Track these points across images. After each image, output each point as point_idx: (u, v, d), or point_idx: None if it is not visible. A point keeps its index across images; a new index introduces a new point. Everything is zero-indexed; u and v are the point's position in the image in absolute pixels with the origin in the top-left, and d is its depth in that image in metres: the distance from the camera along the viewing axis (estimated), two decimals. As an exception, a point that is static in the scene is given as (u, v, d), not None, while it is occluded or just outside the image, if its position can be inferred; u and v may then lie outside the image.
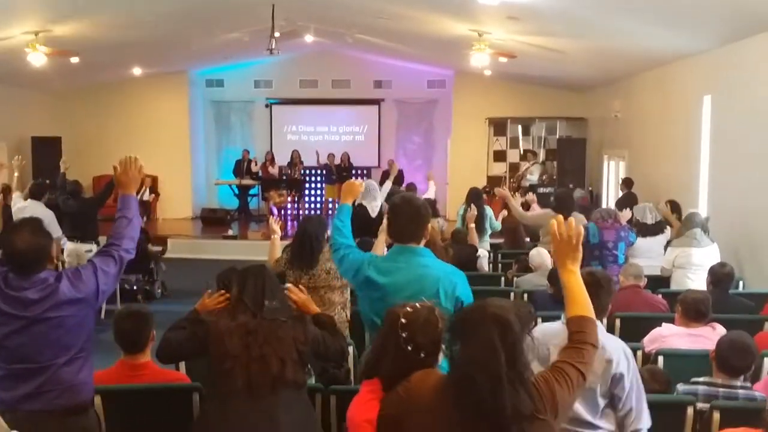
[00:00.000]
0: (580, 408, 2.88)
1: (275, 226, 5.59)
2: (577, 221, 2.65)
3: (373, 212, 7.49)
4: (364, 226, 6.23)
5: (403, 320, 2.50)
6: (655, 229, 7.33)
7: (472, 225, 7.86)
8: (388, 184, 8.79)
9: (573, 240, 2.52)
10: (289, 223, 15.21)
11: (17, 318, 2.98)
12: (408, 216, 3.32)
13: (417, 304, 2.58)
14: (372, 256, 3.47)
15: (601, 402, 2.92)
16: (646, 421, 2.92)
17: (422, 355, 2.48)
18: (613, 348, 2.93)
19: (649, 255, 7.17)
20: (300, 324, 3.27)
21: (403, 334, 2.48)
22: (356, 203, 8.70)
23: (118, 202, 3.39)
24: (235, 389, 3.08)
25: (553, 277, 5.55)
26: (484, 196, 15.25)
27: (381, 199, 8.11)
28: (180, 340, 3.29)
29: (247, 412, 3.07)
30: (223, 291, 3.54)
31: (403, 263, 3.26)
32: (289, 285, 3.79)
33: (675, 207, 8.41)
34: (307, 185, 17.29)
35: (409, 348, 2.47)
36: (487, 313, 2.21)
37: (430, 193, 10.48)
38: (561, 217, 2.62)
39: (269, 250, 5.52)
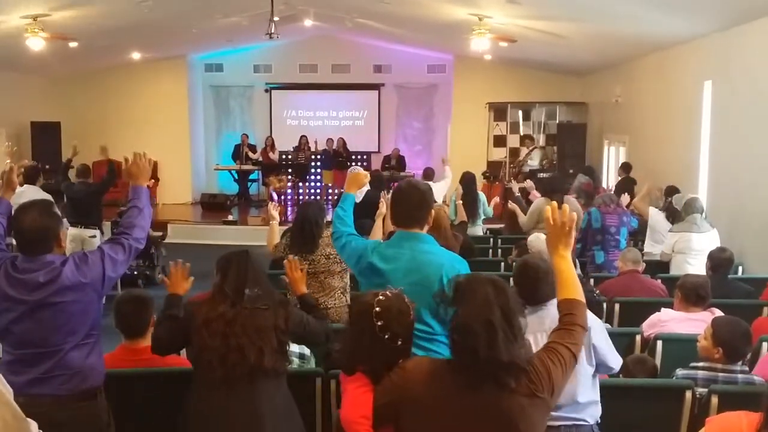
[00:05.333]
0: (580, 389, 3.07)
1: (274, 211, 5.58)
2: (571, 207, 2.69)
3: (358, 198, 7.55)
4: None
5: (377, 309, 2.49)
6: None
7: (460, 202, 7.90)
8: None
9: (566, 226, 2.55)
10: (289, 208, 15.22)
11: (21, 302, 2.99)
12: (413, 201, 3.25)
13: (387, 292, 2.57)
14: (375, 243, 3.43)
15: (590, 370, 3.13)
16: (615, 362, 3.24)
17: (399, 342, 2.49)
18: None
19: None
20: (282, 310, 3.24)
21: (379, 323, 2.47)
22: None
23: (129, 192, 3.47)
24: (213, 380, 3.08)
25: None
26: (484, 181, 15.31)
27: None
28: (167, 333, 3.32)
29: (226, 403, 3.07)
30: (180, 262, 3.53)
31: (407, 249, 3.20)
32: (289, 258, 3.81)
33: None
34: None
35: (386, 337, 2.47)
36: (482, 277, 2.39)
37: (447, 179, 10.17)
38: (555, 203, 2.65)
39: (268, 235, 5.52)
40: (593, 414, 3.19)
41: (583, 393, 3.12)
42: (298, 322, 3.29)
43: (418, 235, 3.24)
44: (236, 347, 3.08)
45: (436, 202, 3.85)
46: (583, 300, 2.53)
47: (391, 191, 3.52)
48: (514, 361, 2.21)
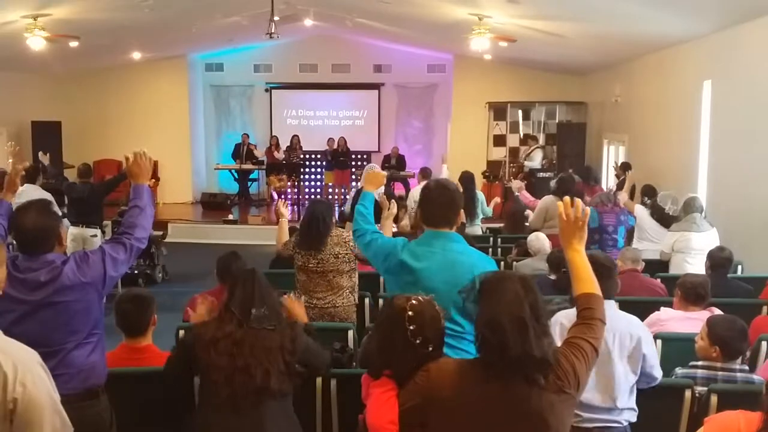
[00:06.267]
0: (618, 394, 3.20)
1: (283, 209, 5.56)
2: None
3: (376, 196, 7.54)
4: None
5: (410, 313, 2.48)
6: (668, 221, 7.20)
7: None
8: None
9: (579, 221, 2.57)
10: (289, 207, 15.21)
11: (23, 302, 2.98)
12: (443, 201, 3.26)
13: (419, 297, 2.56)
14: (404, 241, 3.39)
15: (632, 379, 3.25)
16: (660, 373, 3.41)
17: (430, 348, 2.47)
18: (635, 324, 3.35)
19: (657, 239, 7.18)
20: (289, 331, 3.24)
21: (411, 327, 2.46)
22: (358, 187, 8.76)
23: (130, 192, 3.46)
24: (220, 401, 3.08)
25: (555, 265, 5.54)
26: (484, 180, 15.29)
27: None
28: (172, 364, 3.35)
29: (232, 425, 3.07)
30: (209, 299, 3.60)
31: (438, 248, 3.18)
32: (285, 297, 3.78)
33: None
34: (306, 170, 17.25)
35: (418, 342, 2.46)
36: (510, 274, 2.44)
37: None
38: (567, 198, 2.66)
39: (277, 233, 5.48)
40: (628, 418, 3.26)
41: (622, 399, 3.20)
42: (305, 349, 3.28)
43: (449, 234, 3.24)
44: (243, 367, 3.08)
45: None
46: (600, 294, 2.53)
47: (421, 191, 3.49)
48: (545, 357, 2.23)
